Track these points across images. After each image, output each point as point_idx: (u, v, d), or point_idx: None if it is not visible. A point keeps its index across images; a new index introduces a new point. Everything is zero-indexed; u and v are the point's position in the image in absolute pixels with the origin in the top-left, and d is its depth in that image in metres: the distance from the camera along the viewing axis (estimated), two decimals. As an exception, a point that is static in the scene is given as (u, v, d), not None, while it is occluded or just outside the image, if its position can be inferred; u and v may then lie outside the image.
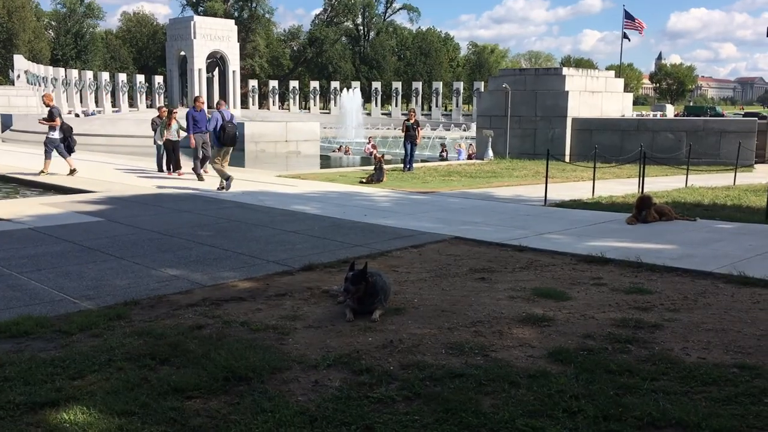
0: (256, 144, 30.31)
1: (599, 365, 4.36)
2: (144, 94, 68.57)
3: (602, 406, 3.72)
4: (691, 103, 72.54)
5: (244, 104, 73.77)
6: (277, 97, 75.06)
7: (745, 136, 20.65)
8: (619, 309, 5.72)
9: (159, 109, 21.14)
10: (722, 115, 56.16)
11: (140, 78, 69.05)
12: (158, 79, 68.59)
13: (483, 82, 65.72)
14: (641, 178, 14.40)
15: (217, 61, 71.09)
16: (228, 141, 14.37)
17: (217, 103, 15.81)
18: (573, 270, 7.27)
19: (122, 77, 67.93)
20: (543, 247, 8.46)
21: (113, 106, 66.46)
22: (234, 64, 71.06)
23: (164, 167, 18.57)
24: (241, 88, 74.01)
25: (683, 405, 3.74)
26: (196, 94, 66.79)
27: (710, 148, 21.15)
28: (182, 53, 69.94)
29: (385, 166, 17.75)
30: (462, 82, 75.87)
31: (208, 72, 70.01)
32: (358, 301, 5.55)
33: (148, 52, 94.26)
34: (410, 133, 20.98)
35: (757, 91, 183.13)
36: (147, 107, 66.13)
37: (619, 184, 15.75)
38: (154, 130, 19.57)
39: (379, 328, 5.23)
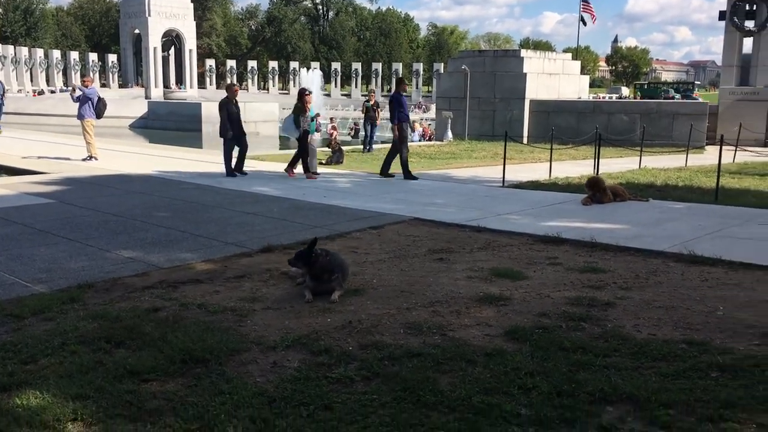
0: (213, 125, 29.75)
1: (554, 343, 4.45)
2: (97, 72, 66.90)
3: (556, 383, 3.81)
4: (646, 86, 73.83)
5: (201, 84, 72.63)
6: (235, 77, 74.01)
7: (696, 119, 21.13)
8: (573, 288, 5.83)
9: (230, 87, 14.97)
10: (677, 97, 57.38)
11: (93, 56, 67.35)
12: (112, 58, 67.05)
13: (443, 64, 65.80)
14: (596, 160, 14.64)
15: (172, 39, 69.69)
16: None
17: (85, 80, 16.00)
18: (530, 250, 7.38)
19: (74, 55, 66.21)
20: (501, 227, 8.57)
21: (65, 85, 64.74)
22: (190, 43, 69.75)
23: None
24: (198, 67, 72.78)
25: (634, 380, 3.85)
26: (151, 73, 65.56)
27: (663, 130, 21.59)
28: (136, 31, 68.35)
29: (345, 147, 17.69)
30: (422, 64, 75.93)
31: (163, 51, 68.61)
32: (314, 279, 5.58)
33: (101, 29, 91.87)
34: (370, 114, 20.94)
35: (709, 74, 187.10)
36: (101, 86, 64.58)
37: (575, 166, 15.98)
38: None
39: (338, 309, 5.24)
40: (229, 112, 13.84)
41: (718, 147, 11.91)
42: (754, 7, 23.30)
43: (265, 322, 4.93)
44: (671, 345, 4.43)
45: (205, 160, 16.68)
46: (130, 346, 4.39)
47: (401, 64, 74.81)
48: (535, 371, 3.97)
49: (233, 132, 13.83)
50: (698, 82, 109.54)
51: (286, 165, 14.29)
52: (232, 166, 13.86)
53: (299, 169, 13.98)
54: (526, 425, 3.38)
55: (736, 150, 17.35)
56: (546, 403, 3.58)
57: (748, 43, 24.13)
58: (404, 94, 14.78)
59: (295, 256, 5.78)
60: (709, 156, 19.02)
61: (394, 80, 14.65)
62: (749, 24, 23.60)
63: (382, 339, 4.57)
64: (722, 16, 23.92)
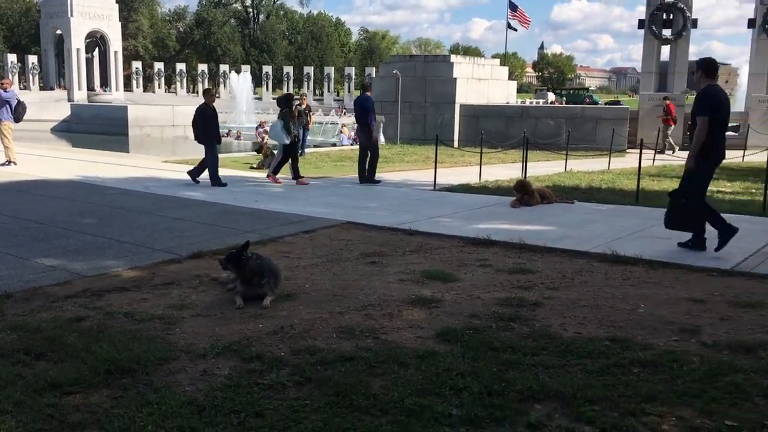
0: (140, 128, 29.17)
1: (484, 343, 4.53)
2: (17, 74, 64.20)
3: (486, 382, 3.87)
4: (571, 92, 76.40)
5: (128, 87, 70.61)
6: (163, 79, 72.21)
7: (618, 123, 21.89)
8: (503, 288, 5.95)
9: None
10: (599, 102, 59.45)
11: (12, 58, 64.57)
12: (32, 59, 64.43)
13: (375, 68, 66.05)
14: (524, 163, 14.97)
15: (97, 40, 67.52)
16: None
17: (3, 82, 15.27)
18: (461, 252, 7.49)
19: (-9, 56, 63.27)
20: (432, 230, 8.66)
21: (-19, 86, 61.76)
22: (116, 45, 67.69)
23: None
24: (124, 69, 70.73)
25: (561, 377, 3.96)
26: (75, 75, 63.39)
27: (587, 134, 22.27)
28: (58, 32, 65.87)
29: (275, 151, 17.51)
30: (354, 68, 75.88)
31: (87, 52, 66.37)
32: (245, 284, 5.51)
33: (21, 29, 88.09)
34: (302, 118, 20.81)
35: (630, 80, 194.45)
36: (20, 89, 61.98)
37: (504, 169, 16.30)
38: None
39: (269, 315, 5.19)
40: (207, 118, 13.11)
41: (639, 151, 12.37)
42: (671, 17, 24.31)
43: (194, 330, 4.83)
44: (596, 342, 4.57)
45: (132, 164, 16.23)
46: (52, 357, 4.23)
47: (333, 68, 74.66)
48: (466, 372, 4.03)
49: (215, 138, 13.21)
50: (590, 88, 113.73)
51: (268, 171, 13.90)
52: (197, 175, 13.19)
53: (280, 174, 13.75)
54: (457, 425, 3.42)
55: (655, 153, 18.05)
56: (477, 403, 3.63)
57: (666, 51, 25.15)
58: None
59: (226, 257, 5.69)
60: (630, 159, 19.72)
61: (362, 84, 14.60)
62: (666, 32, 24.59)
63: (314, 344, 4.55)
64: (641, 24, 24.84)
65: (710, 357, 4.31)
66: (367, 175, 13.66)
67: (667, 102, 22.04)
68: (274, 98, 68.54)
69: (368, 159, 13.70)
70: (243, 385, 3.86)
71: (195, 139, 13.46)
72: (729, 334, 4.76)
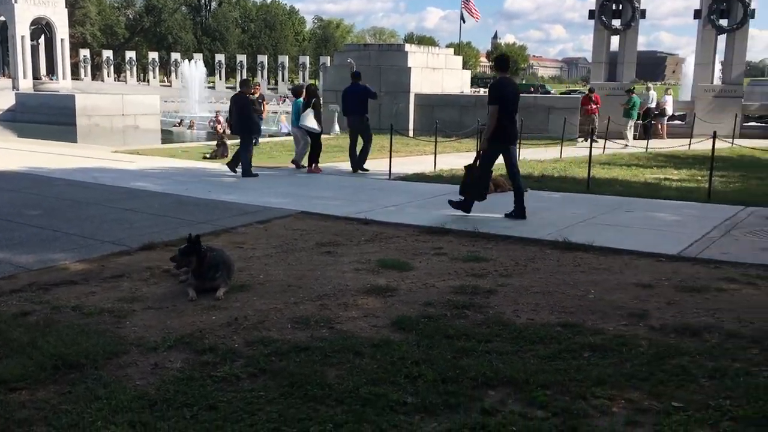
0: (89, 118, 28.45)
1: (439, 331, 4.55)
2: (-43, 62, 61.97)
3: (441, 370, 3.90)
4: (524, 81, 77.24)
5: (75, 75, 68.79)
6: (112, 68, 70.50)
7: (570, 113, 22.18)
8: (457, 276, 5.99)
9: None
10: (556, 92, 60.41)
11: (-48, 44, 62.26)
12: (-26, 46, 62.29)
13: (329, 57, 65.68)
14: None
15: (42, 27, 65.56)
16: None
17: None
18: (416, 241, 7.51)
19: (-71, 43, 60.90)
20: (388, 219, 8.66)
21: None
22: (62, 32, 65.83)
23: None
24: (71, 57, 68.84)
25: (514, 363, 4.01)
26: (19, 62, 61.44)
27: (540, 123, 22.50)
28: (2, 18, 63.75)
29: (229, 141, 17.29)
30: (308, 57, 75.38)
31: (32, 39, 64.38)
32: (198, 276, 5.43)
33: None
34: (256, 107, 20.55)
35: (581, 70, 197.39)
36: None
37: (459, 158, 16.35)
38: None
39: (223, 306, 5.13)
40: (241, 107, 13.08)
41: (589, 140, 12.58)
42: (621, 7, 24.74)
43: (145, 323, 4.75)
44: (548, 328, 4.64)
45: (80, 155, 15.82)
46: (-4, 354, 4.10)
47: (287, 56, 73.98)
48: (421, 360, 4.05)
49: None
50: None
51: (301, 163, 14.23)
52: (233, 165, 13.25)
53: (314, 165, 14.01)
54: (412, 413, 3.44)
55: (605, 142, 18.39)
56: (431, 391, 3.66)
57: (615, 41, 25.60)
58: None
59: (179, 252, 5.59)
60: (581, 148, 20.06)
61: (352, 73, 14.35)
62: (616, 23, 25.02)
63: (269, 335, 4.51)
64: (592, 14, 25.23)
65: (658, 340, 4.42)
66: (359, 162, 13.86)
67: (594, 93, 22.65)
68: (228, 87, 67.65)
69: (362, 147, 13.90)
70: (196, 378, 3.81)
71: (232, 132, 13.86)
72: (675, 317, 4.89)
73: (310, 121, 13.79)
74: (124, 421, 3.29)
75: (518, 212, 8.73)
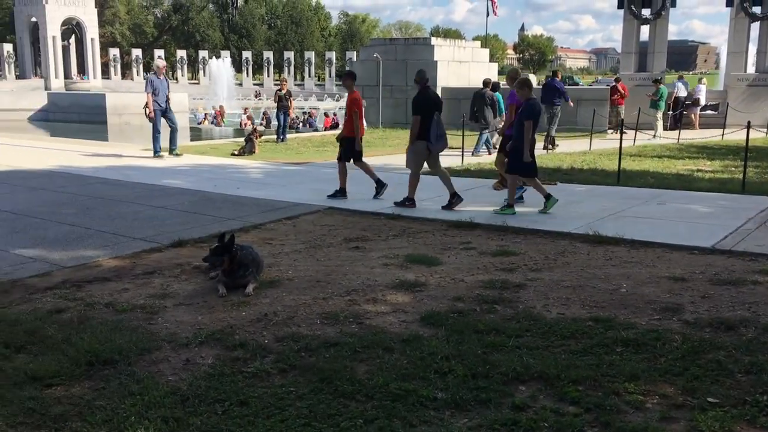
0: (119, 116, 28.79)
1: (468, 326, 4.53)
2: (-9, 63, 63.16)
3: (471, 365, 3.88)
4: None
5: (105, 74, 69.77)
6: (141, 66, 71.32)
7: (599, 104, 21.92)
8: (486, 271, 5.95)
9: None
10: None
11: (-14, 46, 63.49)
12: (7, 48, 63.47)
13: (355, 52, 65.67)
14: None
15: (73, 28, 66.61)
16: None
17: None
18: (444, 236, 7.49)
19: (-36, 45, 62.19)
20: (415, 214, 8.65)
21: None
22: (92, 32, 66.86)
23: None
24: (101, 57, 69.87)
25: (544, 359, 3.97)
26: (51, 63, 62.52)
27: (569, 115, 22.23)
28: (33, 19, 64.89)
29: (258, 138, 17.40)
30: (334, 52, 75.40)
31: (63, 40, 65.46)
32: (228, 274, 5.46)
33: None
34: (283, 104, 20.65)
35: (611, 61, 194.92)
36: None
37: (486, 152, 16.29)
38: None
39: (253, 302, 5.16)
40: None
41: (620, 131, 12.40)
42: (650, -4, 24.34)
43: (176, 319, 4.79)
44: (579, 323, 4.59)
45: (111, 153, 16.03)
46: (32, 350, 4.18)
47: (314, 52, 74.14)
48: (451, 355, 4.03)
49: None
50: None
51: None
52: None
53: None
54: (442, 409, 3.43)
55: (636, 133, 18.13)
56: (461, 386, 3.64)
57: (645, 31, 25.18)
58: None
59: (211, 252, 5.58)
60: (610, 140, 19.81)
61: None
62: (646, 12, 24.60)
63: (298, 330, 4.53)
64: (621, 4, 24.83)
65: (692, 335, 4.34)
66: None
67: (620, 83, 22.22)
68: (255, 84, 68.05)
69: None
70: (227, 374, 3.83)
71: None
72: (710, 311, 4.81)
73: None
74: (157, 416, 3.33)
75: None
